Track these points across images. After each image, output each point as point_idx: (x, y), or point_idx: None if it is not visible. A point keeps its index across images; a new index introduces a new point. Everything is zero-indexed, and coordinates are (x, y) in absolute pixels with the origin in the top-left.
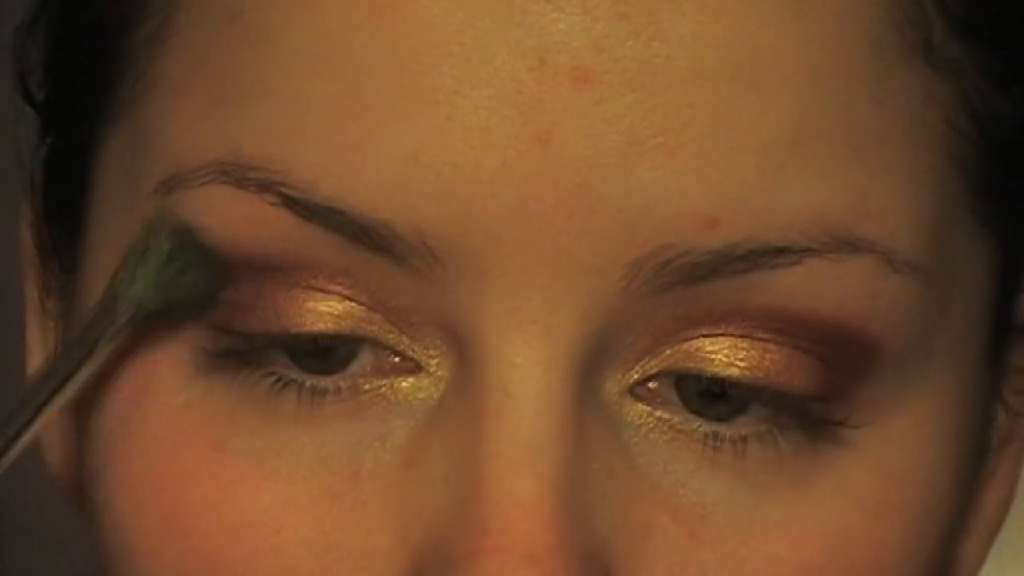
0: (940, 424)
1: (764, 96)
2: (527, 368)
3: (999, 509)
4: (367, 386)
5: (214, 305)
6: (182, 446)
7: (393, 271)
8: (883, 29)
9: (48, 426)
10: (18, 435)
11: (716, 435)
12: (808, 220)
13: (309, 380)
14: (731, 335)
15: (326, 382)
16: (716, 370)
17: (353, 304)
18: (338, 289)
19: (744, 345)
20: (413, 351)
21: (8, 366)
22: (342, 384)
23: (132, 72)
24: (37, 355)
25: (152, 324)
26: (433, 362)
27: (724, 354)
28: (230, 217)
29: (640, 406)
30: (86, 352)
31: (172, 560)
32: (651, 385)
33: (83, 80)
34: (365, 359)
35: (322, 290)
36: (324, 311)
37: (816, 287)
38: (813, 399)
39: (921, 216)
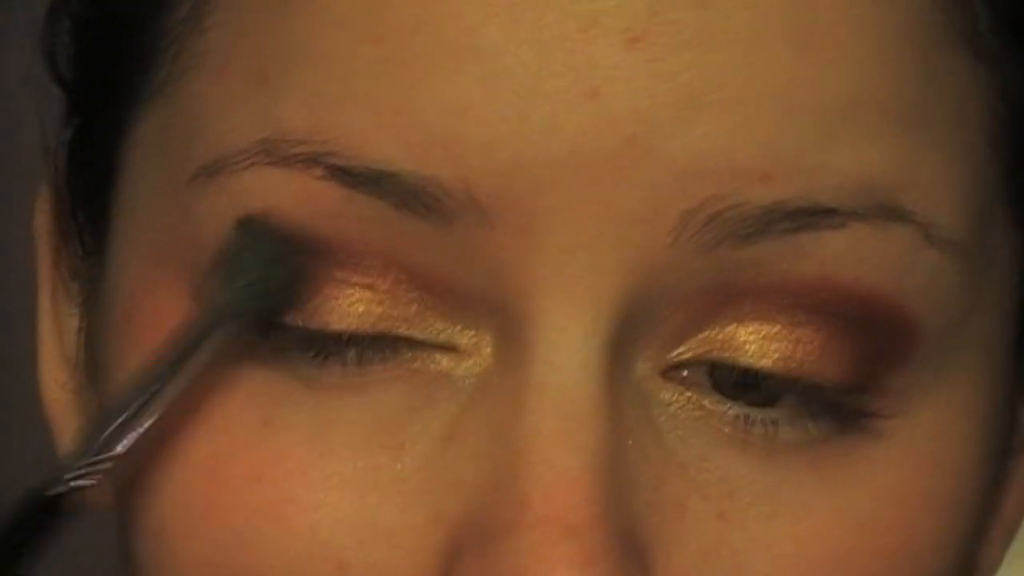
0: (970, 416)
1: (820, 61)
2: (570, 333)
3: (1017, 513)
4: (411, 354)
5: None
6: (230, 424)
7: (440, 239)
8: (933, 11)
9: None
10: (111, 445)
11: (747, 417)
12: (857, 184)
13: (352, 351)
14: (767, 320)
15: (370, 351)
16: (749, 360)
17: (390, 304)
18: (381, 284)
19: (778, 334)
20: (456, 333)
21: (8, 365)
22: (387, 351)
23: (170, 51)
24: (50, 342)
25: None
26: (473, 337)
27: (757, 344)
28: (275, 200)
29: (671, 386)
30: (180, 362)
31: (208, 537)
32: (684, 372)
33: (117, 59)
34: (406, 348)
35: (368, 287)
36: (358, 311)
37: (859, 253)
38: (846, 390)
39: (962, 195)
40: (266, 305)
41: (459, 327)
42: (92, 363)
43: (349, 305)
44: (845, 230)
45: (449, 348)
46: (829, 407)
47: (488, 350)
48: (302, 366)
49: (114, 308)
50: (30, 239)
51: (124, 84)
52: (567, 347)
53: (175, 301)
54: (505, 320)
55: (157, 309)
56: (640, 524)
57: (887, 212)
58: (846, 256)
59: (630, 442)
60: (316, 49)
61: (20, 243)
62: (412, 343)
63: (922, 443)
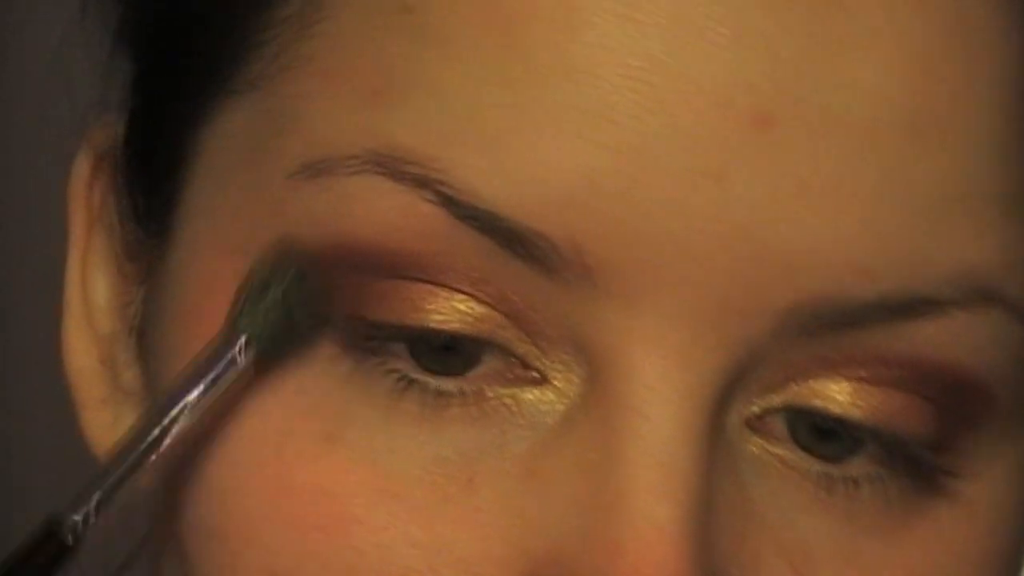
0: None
1: (934, 152)
2: (665, 393)
3: None
4: (491, 393)
5: (315, 341)
6: (294, 431)
7: (538, 281)
8: None
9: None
10: (139, 462)
11: (828, 476)
12: (959, 274)
13: (433, 382)
14: (855, 380)
15: (450, 384)
16: (838, 410)
17: (488, 309)
18: (476, 293)
19: (868, 389)
20: (541, 363)
21: (8, 364)
22: (466, 388)
23: (270, 50)
24: (77, 309)
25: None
26: (560, 376)
27: (847, 395)
28: (381, 208)
29: (756, 439)
30: (207, 384)
31: (268, 544)
32: (766, 420)
33: (206, 45)
34: (490, 364)
35: (460, 291)
36: (459, 310)
37: (955, 337)
38: (925, 447)
39: None
40: (288, 332)
41: (547, 359)
42: (143, 343)
43: (439, 319)
44: (942, 316)
45: (533, 380)
46: (907, 461)
47: (575, 389)
48: (379, 388)
49: (181, 295)
50: (30, 239)
51: (206, 74)
52: (662, 403)
53: None
54: (598, 367)
55: (224, 303)
56: (720, 574)
57: (984, 298)
58: (940, 339)
59: (719, 494)
60: (439, 81)
61: (20, 243)
62: (496, 369)
63: (987, 504)
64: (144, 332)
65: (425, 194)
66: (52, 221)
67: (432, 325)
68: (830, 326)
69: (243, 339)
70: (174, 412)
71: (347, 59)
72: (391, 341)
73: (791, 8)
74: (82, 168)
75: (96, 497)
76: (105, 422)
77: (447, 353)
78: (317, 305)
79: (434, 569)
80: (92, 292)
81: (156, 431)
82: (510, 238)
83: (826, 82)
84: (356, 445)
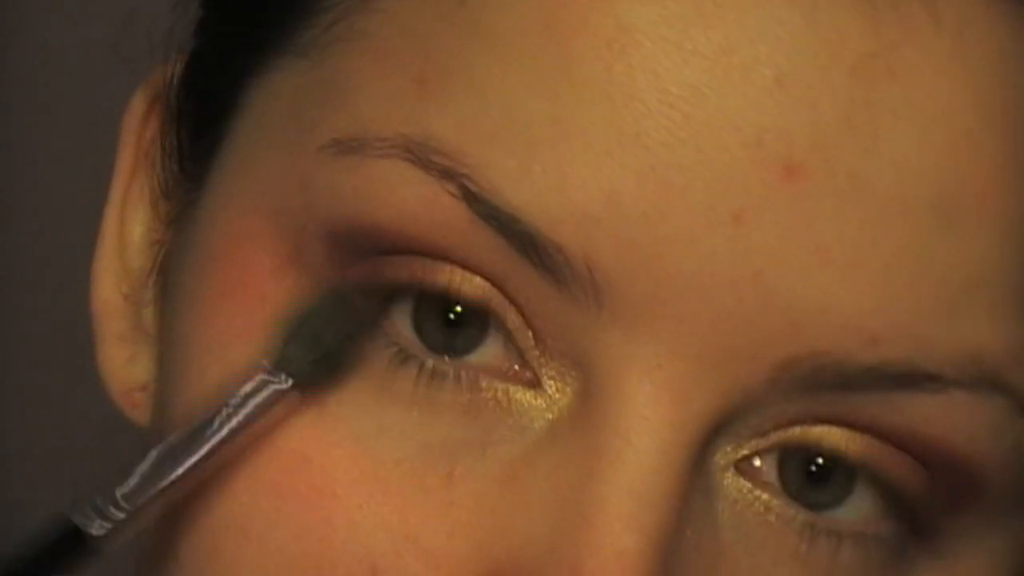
0: (999, 572)
1: (957, 234)
2: (655, 424)
3: None
4: (485, 384)
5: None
6: (284, 395)
7: (548, 290)
8: None
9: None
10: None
11: (812, 527)
12: (966, 357)
13: (431, 360)
14: (852, 428)
15: (447, 366)
16: (831, 446)
17: (499, 294)
18: (490, 285)
19: (863, 437)
20: (538, 364)
21: (8, 362)
22: (463, 374)
23: (328, 17)
24: (112, 242)
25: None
26: (554, 384)
27: (842, 438)
28: (405, 195)
29: (741, 481)
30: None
31: (244, 504)
32: (756, 463)
33: (270, 2)
34: (490, 351)
35: (475, 271)
36: (472, 282)
37: (952, 418)
38: (916, 500)
39: None
40: (324, 372)
41: (544, 361)
42: (163, 284)
43: (459, 274)
44: (943, 395)
45: (527, 381)
46: (902, 507)
47: (566, 401)
48: (380, 362)
49: (203, 244)
50: (30, 239)
51: (269, 29)
52: (649, 432)
53: (266, 259)
54: (591, 383)
55: (247, 261)
56: None
57: (988, 384)
58: (939, 418)
59: (688, 532)
60: (484, 79)
61: (20, 243)
62: (495, 357)
63: None
64: (166, 273)
65: (449, 187)
66: (52, 221)
67: (442, 283)
68: (828, 385)
69: (283, 376)
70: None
71: (401, 42)
72: (399, 301)
73: (838, 63)
74: (138, 105)
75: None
76: (121, 358)
77: (452, 328)
78: (364, 346)
79: (399, 555)
80: (129, 227)
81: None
82: (526, 243)
83: (860, 144)
84: (346, 420)
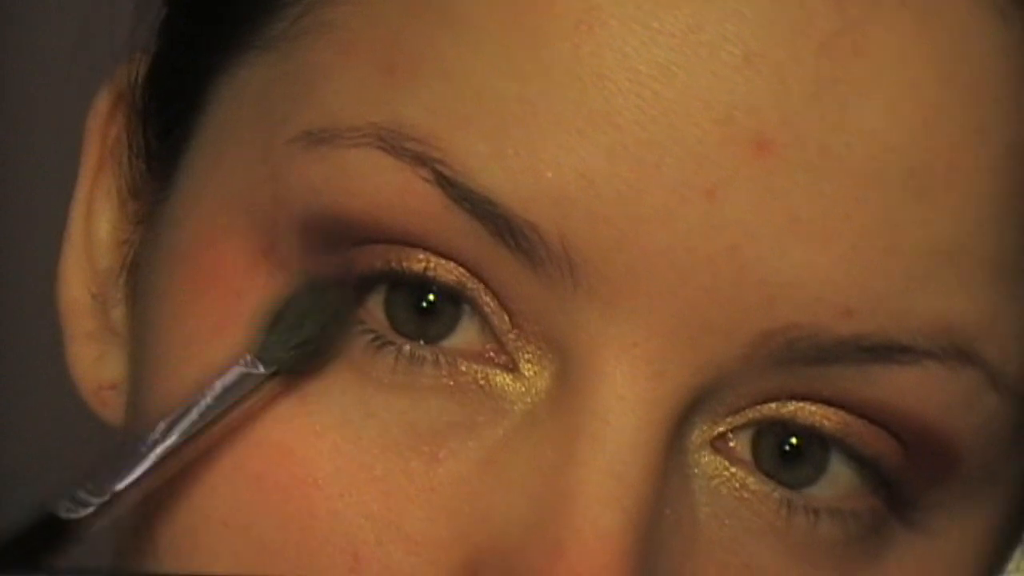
0: (977, 545)
1: (928, 206)
2: (632, 403)
3: None
4: (464, 367)
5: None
6: (265, 388)
7: (523, 272)
8: None
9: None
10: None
11: (789, 503)
12: (939, 328)
13: (408, 346)
14: (828, 402)
15: (424, 351)
16: (807, 421)
17: (472, 278)
18: (465, 281)
19: (838, 412)
20: (515, 347)
21: (9, 362)
22: (441, 358)
23: (294, 10)
24: (78, 242)
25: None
26: (531, 367)
27: (816, 412)
28: (378, 184)
29: (717, 459)
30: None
31: (227, 497)
32: (730, 441)
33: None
34: (465, 335)
35: (449, 257)
36: (445, 267)
37: (926, 390)
38: (891, 473)
39: None
40: (303, 359)
41: (521, 344)
42: (133, 283)
43: (433, 259)
44: (917, 367)
45: (504, 365)
46: (877, 481)
47: (544, 384)
48: (356, 348)
49: (174, 242)
50: (30, 239)
51: (233, 25)
52: (626, 411)
53: (239, 255)
54: (569, 365)
55: (220, 258)
56: None
57: (961, 355)
58: (913, 390)
59: (667, 511)
60: (452, 63)
61: (20, 243)
62: (471, 340)
63: (940, 562)
64: (135, 272)
65: (422, 172)
66: (51, 220)
67: (416, 269)
68: (802, 359)
69: (261, 366)
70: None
71: (367, 31)
72: (371, 288)
73: (805, 41)
74: (103, 103)
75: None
76: (90, 356)
77: (425, 316)
78: (343, 334)
79: (381, 544)
80: (95, 226)
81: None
82: (500, 225)
83: (829, 119)
84: (328, 409)
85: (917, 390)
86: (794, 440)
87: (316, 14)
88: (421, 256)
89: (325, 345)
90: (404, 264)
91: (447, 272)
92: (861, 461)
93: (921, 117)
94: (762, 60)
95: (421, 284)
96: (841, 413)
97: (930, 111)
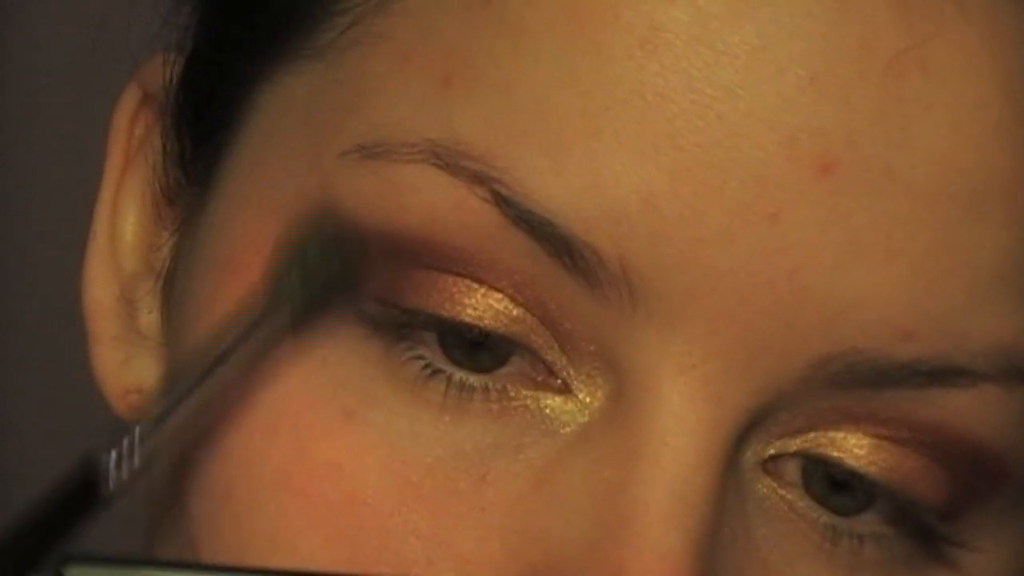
0: (1020, 559)
1: (990, 225)
2: (691, 424)
3: None
4: (514, 393)
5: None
6: (314, 404)
7: (580, 293)
8: None
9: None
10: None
11: (834, 528)
12: (997, 348)
13: (459, 374)
14: (877, 437)
15: (475, 379)
16: (854, 463)
17: (524, 311)
18: (514, 295)
19: (887, 447)
20: (568, 373)
21: (9, 363)
22: (491, 385)
23: (345, 19)
24: (103, 243)
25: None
26: (585, 388)
27: (865, 450)
28: (433, 201)
29: (768, 480)
30: (244, 340)
31: (274, 511)
32: (780, 462)
33: (280, 4)
34: (518, 366)
35: (498, 289)
36: (494, 308)
37: (983, 411)
38: (934, 513)
39: None
40: (319, 299)
41: (574, 369)
42: (169, 290)
43: (475, 314)
44: (975, 389)
45: (557, 388)
46: (917, 525)
47: (598, 404)
48: (405, 372)
49: (215, 249)
50: (30, 238)
51: (276, 32)
52: (685, 432)
53: None
54: (624, 385)
55: (264, 266)
56: None
57: (1018, 376)
58: (969, 411)
59: (725, 530)
60: (512, 77)
61: (20, 243)
62: (522, 371)
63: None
64: (172, 279)
65: (479, 191)
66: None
67: (466, 319)
68: (861, 381)
69: (281, 301)
70: (209, 367)
71: (424, 43)
72: (422, 329)
73: (871, 59)
74: (128, 102)
75: (133, 444)
76: (116, 360)
77: (477, 349)
78: (353, 274)
79: (432, 562)
80: (121, 227)
81: (193, 385)
82: (559, 246)
83: (894, 138)
84: (377, 426)
85: (974, 412)
86: (839, 478)
87: (367, 24)
88: (468, 303)
89: (340, 292)
90: (451, 312)
91: (495, 318)
92: (906, 502)
93: (984, 136)
94: (828, 80)
95: (470, 329)
96: (889, 447)
97: (993, 130)
